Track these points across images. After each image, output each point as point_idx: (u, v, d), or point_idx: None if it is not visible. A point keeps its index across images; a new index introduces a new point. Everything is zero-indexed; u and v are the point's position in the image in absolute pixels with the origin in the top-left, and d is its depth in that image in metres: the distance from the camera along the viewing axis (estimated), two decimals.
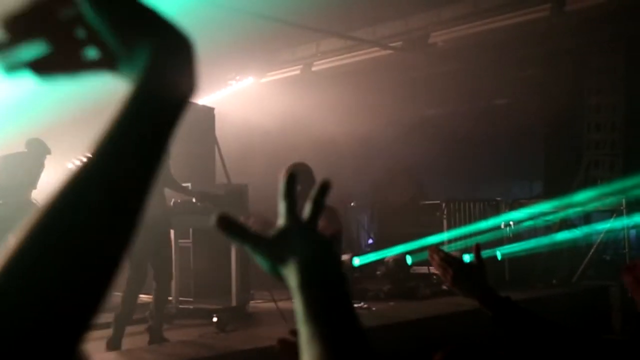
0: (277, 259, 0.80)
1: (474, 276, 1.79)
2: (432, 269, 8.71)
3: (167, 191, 5.65)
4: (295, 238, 0.80)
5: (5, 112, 7.78)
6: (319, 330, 0.73)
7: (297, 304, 0.77)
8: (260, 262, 0.81)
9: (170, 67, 0.59)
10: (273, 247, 0.80)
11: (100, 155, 0.55)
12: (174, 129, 0.58)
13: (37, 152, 6.48)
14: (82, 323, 0.51)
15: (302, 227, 0.81)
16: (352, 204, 10.98)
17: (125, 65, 0.60)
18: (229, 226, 0.78)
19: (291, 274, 0.78)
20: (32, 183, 6.48)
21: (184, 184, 5.79)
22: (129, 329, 5.42)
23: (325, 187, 0.83)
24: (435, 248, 1.87)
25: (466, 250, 8.47)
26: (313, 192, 0.83)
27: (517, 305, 1.75)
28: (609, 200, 8.17)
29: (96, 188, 0.53)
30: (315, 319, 0.74)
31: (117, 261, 0.53)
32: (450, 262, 1.81)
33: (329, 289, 0.78)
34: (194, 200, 5.82)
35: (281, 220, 0.82)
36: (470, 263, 1.83)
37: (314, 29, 8.92)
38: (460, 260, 1.85)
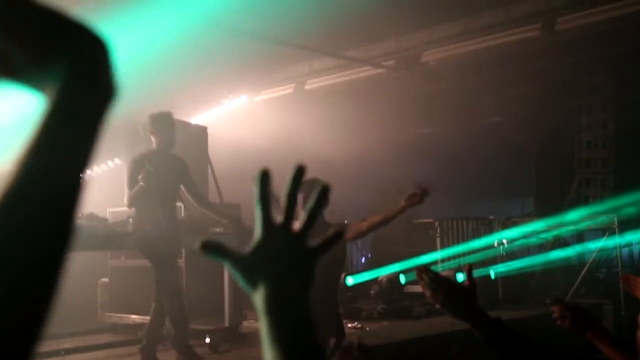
0: (248, 281, 0.81)
1: (465, 298, 1.76)
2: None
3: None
4: (269, 253, 0.80)
5: None
6: (282, 355, 0.76)
7: (262, 328, 0.79)
8: (237, 280, 0.82)
9: (91, 77, 0.57)
10: (247, 265, 0.80)
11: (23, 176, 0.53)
12: (94, 141, 0.58)
13: None
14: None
15: (281, 237, 0.81)
16: (345, 222, 10.95)
17: (34, 75, 0.57)
18: (210, 247, 0.80)
19: (258, 299, 0.80)
20: None
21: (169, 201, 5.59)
22: (120, 350, 5.37)
23: (323, 194, 0.82)
24: (424, 268, 1.83)
25: (459, 269, 8.47)
26: (310, 201, 0.81)
27: (507, 327, 1.73)
28: (601, 219, 8.19)
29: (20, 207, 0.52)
30: (279, 344, 0.77)
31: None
32: (441, 282, 1.78)
33: (292, 317, 0.79)
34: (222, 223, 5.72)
35: (257, 228, 0.81)
36: (461, 284, 1.80)
37: (307, 49, 8.97)
38: (451, 280, 1.81)
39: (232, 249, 0.81)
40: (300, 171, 0.81)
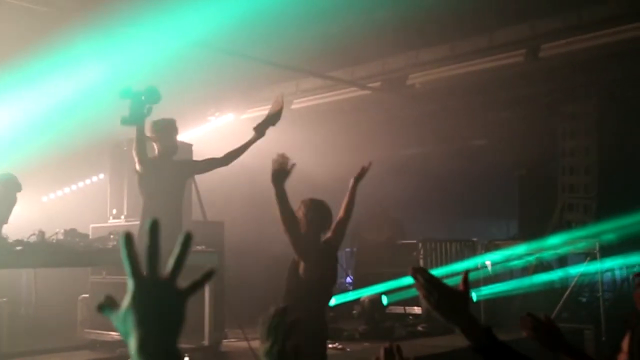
0: (123, 332, 0.89)
1: (458, 303, 1.74)
2: (409, 309, 8.69)
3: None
4: (137, 303, 0.88)
5: None
6: None
7: None
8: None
9: None
10: (121, 318, 0.88)
11: None
12: None
13: (8, 187, 6.39)
14: None
15: (149, 286, 0.90)
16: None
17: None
18: (104, 307, 0.91)
19: (130, 346, 0.87)
20: (3, 218, 6.37)
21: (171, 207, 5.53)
22: None
23: (187, 243, 0.95)
24: (420, 268, 1.79)
25: None
26: (176, 248, 0.91)
27: (496, 338, 1.72)
28: (582, 244, 8.24)
29: None
30: None
31: None
32: (436, 284, 1.75)
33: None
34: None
35: (128, 282, 0.90)
36: (456, 289, 1.77)
37: (293, 69, 9.00)
38: (445, 284, 1.77)
39: (116, 305, 0.90)
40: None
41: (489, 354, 1.68)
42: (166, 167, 5.29)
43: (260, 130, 5.47)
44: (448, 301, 1.73)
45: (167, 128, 5.44)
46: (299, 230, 3.87)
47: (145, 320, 0.86)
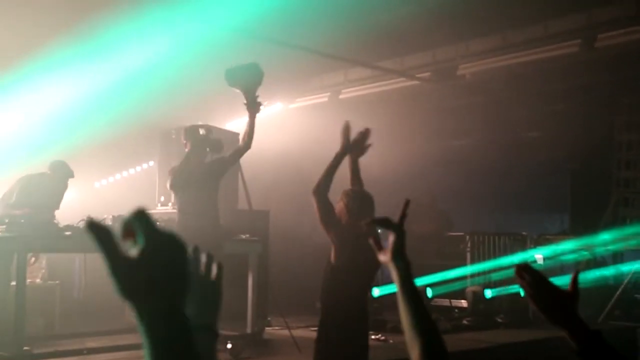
0: (129, 292, 0.77)
1: (567, 304, 1.65)
2: (455, 302, 8.58)
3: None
4: (153, 261, 0.77)
5: (32, 134, 7.92)
6: None
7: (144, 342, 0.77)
8: (113, 284, 0.77)
9: None
10: (130, 274, 0.76)
11: None
12: None
13: (60, 174, 6.54)
14: None
15: (164, 248, 0.79)
16: (379, 231, 10.88)
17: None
18: (98, 235, 0.76)
19: (138, 317, 0.77)
20: (55, 204, 6.53)
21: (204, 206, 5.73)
22: (133, 353, 5.40)
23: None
24: (527, 266, 1.69)
25: (488, 285, 8.34)
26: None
27: (605, 342, 1.60)
28: (637, 241, 8.00)
29: None
30: None
31: None
32: (544, 284, 1.66)
33: (169, 335, 0.78)
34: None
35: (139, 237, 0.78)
36: (564, 290, 1.67)
37: (342, 59, 8.95)
38: (553, 284, 1.68)
39: (118, 242, 0.77)
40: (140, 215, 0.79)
41: (595, 359, 1.58)
42: (197, 171, 5.51)
43: (251, 106, 5.55)
44: (555, 302, 1.64)
45: (197, 134, 5.71)
46: (329, 207, 3.83)
47: (156, 283, 0.77)
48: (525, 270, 1.67)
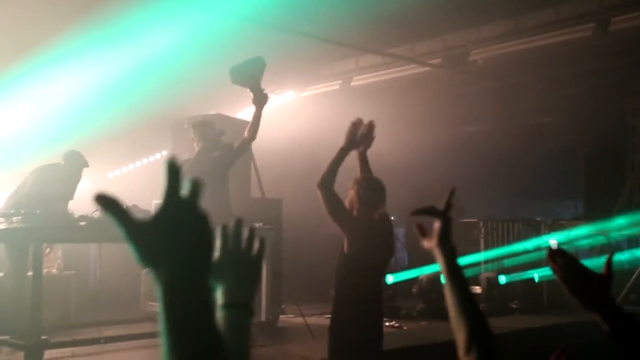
0: (147, 257, 0.76)
1: (599, 287, 1.63)
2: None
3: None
4: (174, 225, 0.77)
5: (45, 125, 7.97)
6: (175, 344, 0.74)
7: (160, 310, 0.76)
8: (131, 251, 0.77)
9: None
10: (149, 236, 0.76)
11: None
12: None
13: (74, 164, 6.57)
14: None
15: (186, 211, 0.78)
16: (392, 218, 10.87)
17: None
18: (108, 204, 0.76)
19: (156, 283, 0.76)
20: (69, 194, 6.57)
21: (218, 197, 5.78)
22: (150, 341, 5.44)
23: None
24: (559, 250, 1.68)
25: (502, 271, 8.33)
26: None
27: None
28: None
29: None
30: (171, 335, 0.74)
31: None
32: (576, 267, 1.65)
33: (193, 300, 0.76)
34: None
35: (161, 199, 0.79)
36: (598, 273, 1.66)
37: (352, 46, 8.92)
38: (586, 267, 1.66)
39: (130, 213, 0.76)
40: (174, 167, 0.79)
41: (628, 343, 1.56)
42: (206, 163, 5.56)
43: (258, 102, 5.57)
44: (589, 285, 1.63)
45: (205, 128, 5.82)
46: (336, 199, 3.82)
47: (181, 248, 0.77)
48: (557, 254, 1.67)
